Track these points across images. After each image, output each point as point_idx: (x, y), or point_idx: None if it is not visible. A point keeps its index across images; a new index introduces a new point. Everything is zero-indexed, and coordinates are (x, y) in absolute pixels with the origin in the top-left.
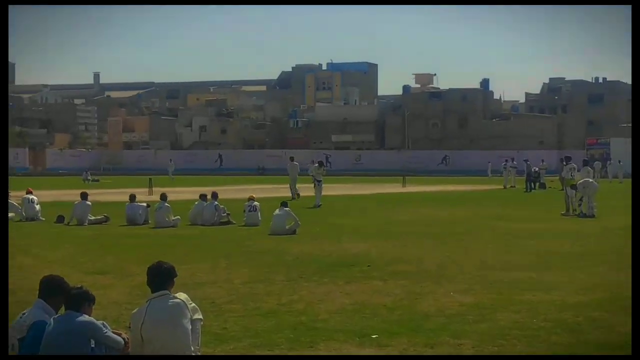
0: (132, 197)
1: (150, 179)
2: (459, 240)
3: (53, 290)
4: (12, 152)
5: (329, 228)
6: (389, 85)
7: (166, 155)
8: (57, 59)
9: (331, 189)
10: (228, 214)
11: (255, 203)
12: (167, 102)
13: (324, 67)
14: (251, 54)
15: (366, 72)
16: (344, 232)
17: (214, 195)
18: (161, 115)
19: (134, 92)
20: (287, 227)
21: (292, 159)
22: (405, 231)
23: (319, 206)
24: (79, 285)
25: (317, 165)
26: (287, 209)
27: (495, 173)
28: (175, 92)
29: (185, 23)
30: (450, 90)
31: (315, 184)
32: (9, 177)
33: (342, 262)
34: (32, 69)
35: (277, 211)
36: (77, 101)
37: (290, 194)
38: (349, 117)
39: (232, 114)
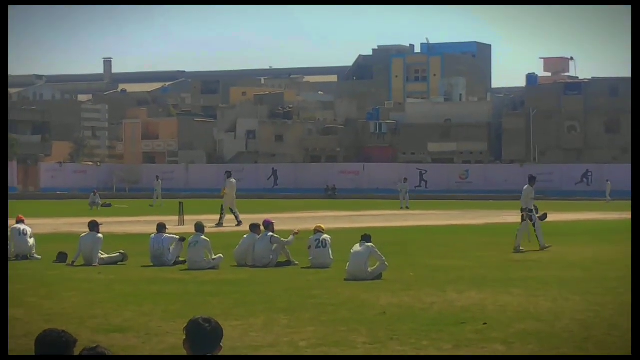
0: (161, 227)
1: (180, 203)
2: (610, 290)
3: (55, 352)
4: None
5: (428, 272)
6: (507, 73)
7: (200, 171)
8: (55, 41)
9: (427, 218)
10: (288, 253)
11: (325, 236)
12: (202, 98)
13: (417, 50)
14: (317, 33)
15: (475, 56)
16: (448, 278)
17: (268, 225)
18: (194, 117)
19: (158, 85)
20: (369, 269)
21: (229, 174)
22: (532, 276)
23: (545, 248)
24: (94, 346)
25: (527, 186)
26: (369, 244)
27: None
28: (213, 84)
29: None
30: (594, 81)
31: (527, 217)
32: None
33: (448, 318)
34: (22, 55)
35: (356, 247)
36: (81, 97)
37: (236, 220)
38: (452, 119)
39: (290, 114)
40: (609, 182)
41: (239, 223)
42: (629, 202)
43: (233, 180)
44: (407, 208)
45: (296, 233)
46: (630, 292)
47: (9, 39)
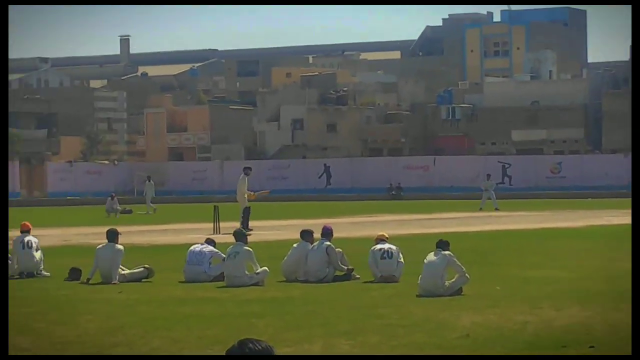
0: (210, 241)
1: (215, 207)
2: None
3: None
4: None
5: (518, 284)
6: (606, 45)
7: (238, 168)
8: (62, 18)
9: (514, 220)
10: (350, 270)
11: (389, 246)
12: (238, 81)
13: (497, 18)
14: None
15: (567, 25)
16: (543, 292)
17: (327, 233)
18: (229, 104)
19: (185, 67)
20: (446, 283)
21: (149, 178)
22: None
23: None
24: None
25: None
26: (446, 252)
27: None
28: (251, 65)
29: None
30: None
31: None
32: None
33: (546, 341)
34: (23, 34)
35: (430, 256)
36: (94, 83)
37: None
38: (540, 100)
39: (345, 99)
40: None
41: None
42: None
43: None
44: (497, 210)
45: (350, 269)
46: None
47: (11, 12)
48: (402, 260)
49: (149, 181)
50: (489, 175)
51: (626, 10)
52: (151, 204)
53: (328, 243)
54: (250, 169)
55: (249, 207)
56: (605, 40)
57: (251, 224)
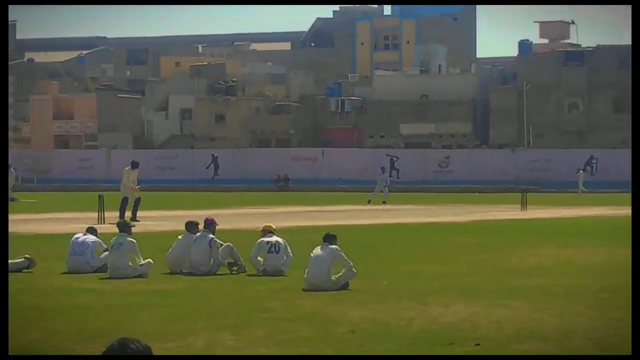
0: (92, 230)
1: (100, 196)
2: (629, 299)
3: None
4: None
5: (405, 279)
6: (495, 40)
7: (125, 158)
8: None
9: (401, 214)
10: (237, 263)
11: (277, 239)
12: (127, 69)
13: (387, 11)
14: None
15: (457, 19)
16: (430, 287)
17: (209, 225)
18: (117, 92)
19: (73, 54)
20: (333, 277)
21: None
22: (534, 285)
23: None
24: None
25: None
26: (333, 246)
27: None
28: (139, 53)
29: None
30: (599, 50)
31: None
32: None
33: (432, 337)
34: None
35: (317, 250)
36: None
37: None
38: (429, 94)
39: (234, 89)
40: (581, 172)
41: None
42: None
43: None
44: (385, 203)
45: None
46: None
47: None
48: (291, 254)
49: (12, 169)
50: (383, 169)
51: (515, 8)
52: (13, 195)
53: (211, 236)
54: (138, 163)
55: (140, 197)
56: (494, 35)
57: (145, 214)
